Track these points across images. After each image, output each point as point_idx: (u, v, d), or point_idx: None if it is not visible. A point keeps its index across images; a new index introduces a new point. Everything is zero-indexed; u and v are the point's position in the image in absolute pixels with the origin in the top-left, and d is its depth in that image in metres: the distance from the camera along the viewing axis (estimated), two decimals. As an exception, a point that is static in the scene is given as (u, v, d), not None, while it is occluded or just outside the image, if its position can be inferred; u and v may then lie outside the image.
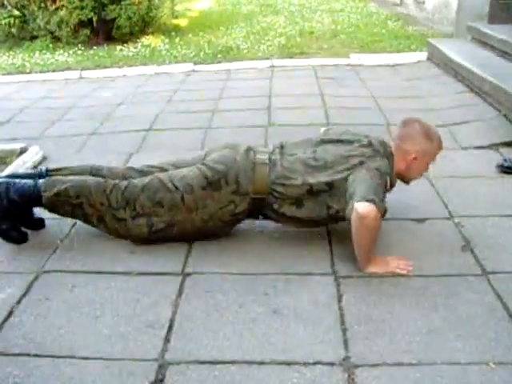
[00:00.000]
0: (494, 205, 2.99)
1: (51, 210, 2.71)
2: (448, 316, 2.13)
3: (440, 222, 2.84)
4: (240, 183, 2.56)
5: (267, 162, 2.60)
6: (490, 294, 2.25)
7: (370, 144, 2.61)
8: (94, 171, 2.76)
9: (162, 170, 2.74)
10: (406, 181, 2.73)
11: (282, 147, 2.71)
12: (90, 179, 2.66)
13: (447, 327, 2.06)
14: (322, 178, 2.52)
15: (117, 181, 2.66)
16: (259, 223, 2.78)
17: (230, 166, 2.58)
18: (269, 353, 1.96)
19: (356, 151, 2.58)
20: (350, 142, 2.64)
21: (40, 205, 2.68)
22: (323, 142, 2.71)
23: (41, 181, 2.66)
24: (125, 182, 2.64)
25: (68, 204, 2.63)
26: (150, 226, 2.61)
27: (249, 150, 2.67)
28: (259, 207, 2.62)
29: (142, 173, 2.75)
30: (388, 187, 2.54)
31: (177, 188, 2.58)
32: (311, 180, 2.52)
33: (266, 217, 2.69)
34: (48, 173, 2.76)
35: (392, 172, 2.60)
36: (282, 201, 2.56)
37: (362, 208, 2.29)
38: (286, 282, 2.36)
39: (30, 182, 2.67)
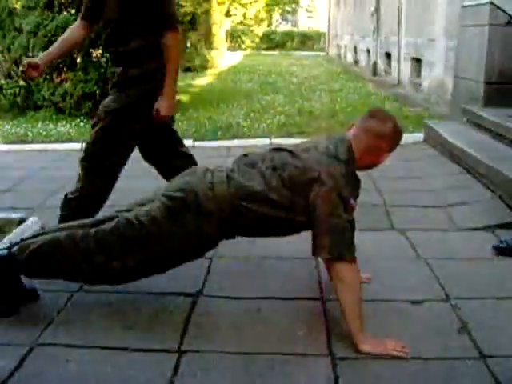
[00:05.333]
0: (491, 287, 2.99)
1: (31, 275, 2.72)
2: (446, 401, 2.10)
3: (436, 303, 2.83)
4: (200, 204, 2.54)
5: (225, 179, 2.58)
6: (488, 378, 2.22)
7: (325, 150, 2.57)
8: (65, 227, 2.77)
9: (128, 210, 2.73)
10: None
11: (239, 160, 2.71)
12: (59, 234, 2.66)
13: (445, 413, 2.04)
14: (283, 192, 2.51)
15: (86, 229, 2.66)
16: (255, 302, 2.78)
17: (188, 191, 2.57)
18: None
19: (312, 161, 2.53)
20: (306, 151, 2.61)
21: (19, 272, 2.67)
22: (281, 149, 2.69)
23: (14, 248, 2.68)
24: (94, 229, 2.65)
25: (45, 263, 2.63)
26: (124, 267, 2.60)
27: (206, 171, 2.66)
28: (231, 226, 2.61)
29: (111, 219, 2.74)
30: (353, 205, 2.49)
31: (142, 223, 2.58)
32: (272, 195, 2.51)
33: (240, 234, 2.71)
34: (22, 241, 2.77)
35: (354, 175, 2.56)
36: (246, 216, 2.55)
37: (335, 272, 2.42)
38: (282, 363, 2.33)
39: (4, 251, 2.68)
